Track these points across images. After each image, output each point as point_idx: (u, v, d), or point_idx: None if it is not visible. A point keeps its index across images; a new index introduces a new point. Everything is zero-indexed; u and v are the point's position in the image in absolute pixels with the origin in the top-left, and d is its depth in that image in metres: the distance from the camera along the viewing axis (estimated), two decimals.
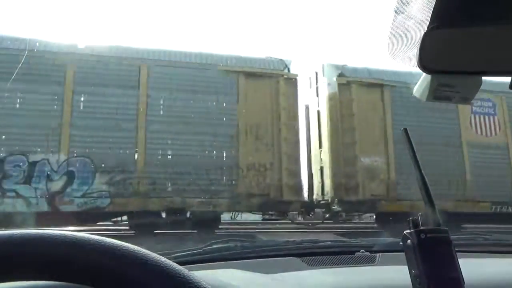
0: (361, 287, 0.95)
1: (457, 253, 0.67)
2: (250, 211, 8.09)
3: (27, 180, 6.65)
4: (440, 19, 0.58)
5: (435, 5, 0.58)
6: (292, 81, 8.20)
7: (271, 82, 7.96)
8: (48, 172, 6.73)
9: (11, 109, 6.76)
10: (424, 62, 0.61)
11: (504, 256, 1.35)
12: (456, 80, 0.69)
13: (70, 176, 6.83)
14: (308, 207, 8.44)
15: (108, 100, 7.09)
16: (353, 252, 1.25)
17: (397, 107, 8.20)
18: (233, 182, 7.43)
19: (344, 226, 9.06)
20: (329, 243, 1.41)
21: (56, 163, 6.78)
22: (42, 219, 6.38)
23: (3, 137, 6.72)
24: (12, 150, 6.65)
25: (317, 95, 8.77)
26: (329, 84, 8.35)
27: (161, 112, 7.38)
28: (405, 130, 0.77)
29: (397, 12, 0.66)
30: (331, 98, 8.29)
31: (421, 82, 0.73)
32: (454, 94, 0.72)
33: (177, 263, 0.43)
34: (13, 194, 6.57)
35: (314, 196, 8.58)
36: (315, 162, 8.70)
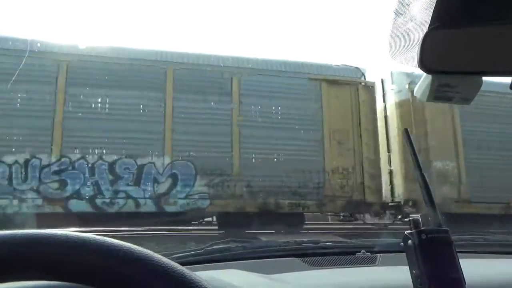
0: (362, 287, 0.95)
1: (458, 253, 0.67)
2: (335, 213, 8.66)
3: (136, 182, 7.13)
4: (441, 19, 0.58)
5: (435, 5, 0.58)
6: (370, 89, 8.69)
7: (351, 89, 8.37)
8: (155, 175, 7.21)
9: (124, 115, 7.26)
10: (425, 63, 0.61)
11: (505, 257, 1.35)
12: (456, 80, 0.69)
13: (174, 179, 7.31)
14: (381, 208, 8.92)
15: (205, 107, 7.60)
16: (354, 253, 1.25)
17: (465, 112, 8.60)
18: (320, 185, 7.89)
19: (346, 227, 9.12)
20: (330, 243, 1.41)
21: (161, 166, 7.25)
22: (149, 219, 7.00)
23: (115, 141, 7.17)
24: (123, 154, 7.17)
25: (384, 101, 9.14)
26: (399, 91, 8.72)
27: (254, 118, 7.86)
28: (406, 130, 0.77)
29: (397, 13, 0.66)
30: (401, 105, 8.67)
31: (421, 82, 0.73)
32: (454, 95, 0.72)
33: (178, 263, 0.43)
34: (124, 195, 7.05)
35: (383, 198, 8.97)
36: (383, 165, 9.14)
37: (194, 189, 7.32)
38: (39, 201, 6.66)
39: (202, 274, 0.47)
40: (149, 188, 7.12)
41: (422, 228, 0.68)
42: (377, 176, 8.31)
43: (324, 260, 1.19)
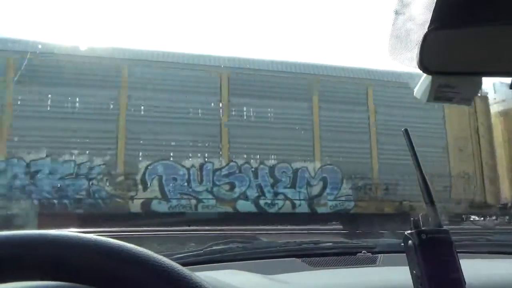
0: None
1: (458, 254, 0.67)
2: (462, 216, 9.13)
3: (292, 185, 7.86)
4: (440, 20, 0.58)
5: (435, 6, 0.58)
6: (485, 98, 9.28)
7: None
8: (308, 179, 7.94)
9: (279, 123, 7.98)
10: (425, 63, 0.61)
11: (506, 257, 1.35)
12: (456, 80, 0.69)
13: (324, 182, 8.05)
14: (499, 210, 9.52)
15: (344, 116, 8.31)
16: (354, 253, 1.25)
17: None
18: (447, 189, 8.50)
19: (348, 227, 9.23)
20: (330, 244, 1.41)
21: (313, 171, 7.99)
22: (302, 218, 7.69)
23: (273, 147, 7.90)
24: (279, 159, 7.89)
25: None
26: (503, 101, 9.36)
27: (390, 127, 8.33)
28: (406, 130, 0.77)
29: (397, 13, 0.66)
30: (506, 113, 9.40)
31: (421, 83, 0.73)
32: (454, 95, 0.72)
33: (178, 264, 0.43)
34: (282, 197, 7.75)
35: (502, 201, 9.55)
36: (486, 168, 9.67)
37: (341, 192, 8.05)
38: (213, 202, 7.43)
39: (202, 275, 0.47)
40: (303, 191, 7.89)
41: (422, 228, 0.68)
42: (496, 179, 8.97)
43: (324, 260, 1.19)
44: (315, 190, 7.93)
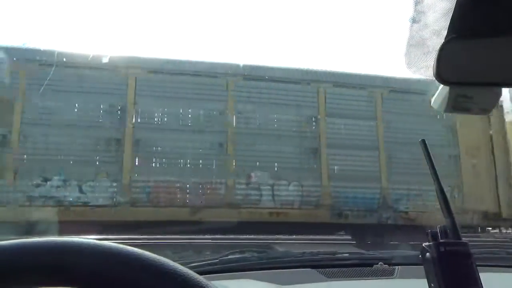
0: None
1: (478, 267, 0.66)
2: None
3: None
4: (457, 30, 0.58)
5: (452, 16, 0.58)
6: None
7: None
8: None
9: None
10: (442, 73, 0.61)
11: None
12: (474, 91, 0.68)
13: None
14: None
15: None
16: (371, 265, 1.23)
17: None
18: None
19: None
20: (346, 255, 1.39)
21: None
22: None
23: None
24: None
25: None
26: None
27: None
28: (423, 141, 0.76)
29: (413, 21, 0.66)
30: None
31: (438, 93, 0.72)
32: (473, 105, 0.71)
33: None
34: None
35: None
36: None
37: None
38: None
39: (217, 284, 0.47)
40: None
41: (441, 240, 0.67)
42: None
43: (340, 271, 1.18)
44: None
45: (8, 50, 7.02)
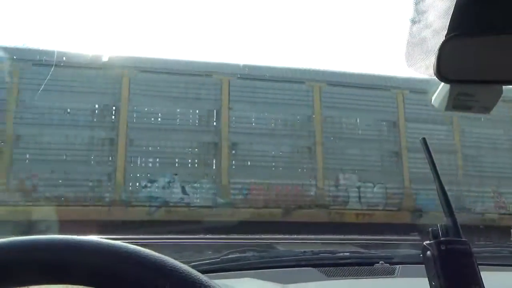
0: None
1: (480, 265, 0.66)
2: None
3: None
4: (458, 28, 0.58)
5: (452, 14, 0.58)
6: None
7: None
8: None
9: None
10: (442, 72, 0.61)
11: None
12: (475, 89, 0.68)
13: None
14: None
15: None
16: (372, 264, 1.23)
17: None
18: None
19: (364, 237, 9.03)
20: (347, 254, 1.39)
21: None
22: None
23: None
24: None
25: None
26: None
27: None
28: (424, 139, 0.76)
29: (413, 21, 0.66)
30: None
31: (439, 91, 0.72)
32: (474, 104, 0.71)
33: None
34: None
35: None
36: None
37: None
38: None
39: (219, 283, 0.47)
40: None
41: (442, 238, 0.67)
42: None
43: (341, 270, 1.18)
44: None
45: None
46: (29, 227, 6.03)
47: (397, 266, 1.20)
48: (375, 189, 7.73)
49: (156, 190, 6.95)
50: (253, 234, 7.56)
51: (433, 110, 7.92)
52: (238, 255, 1.33)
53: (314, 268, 1.18)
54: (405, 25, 0.69)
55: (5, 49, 7.05)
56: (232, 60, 8.97)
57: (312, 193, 7.51)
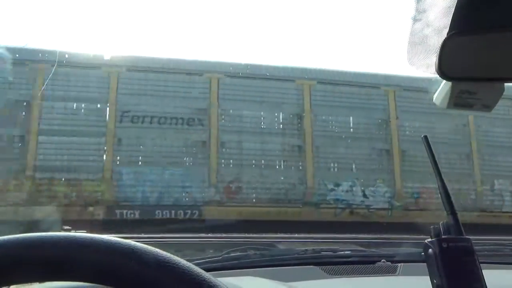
0: None
1: (481, 263, 0.66)
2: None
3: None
4: (459, 26, 0.58)
5: (454, 11, 0.58)
6: None
7: None
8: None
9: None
10: (444, 69, 0.61)
11: None
12: (477, 87, 0.68)
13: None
14: None
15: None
16: (373, 262, 1.23)
17: None
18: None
19: (366, 236, 9.00)
20: (349, 252, 1.39)
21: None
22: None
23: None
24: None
25: None
26: None
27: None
28: (425, 137, 0.76)
29: (414, 20, 0.66)
30: None
31: (441, 89, 0.72)
32: (475, 101, 0.71)
33: None
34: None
35: None
36: None
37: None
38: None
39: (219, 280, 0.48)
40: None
41: (443, 236, 0.67)
42: None
43: (343, 268, 1.18)
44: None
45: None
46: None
47: (399, 264, 1.20)
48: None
49: (341, 193, 7.54)
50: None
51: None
52: (239, 253, 1.33)
53: (316, 267, 1.18)
54: (406, 24, 0.69)
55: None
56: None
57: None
